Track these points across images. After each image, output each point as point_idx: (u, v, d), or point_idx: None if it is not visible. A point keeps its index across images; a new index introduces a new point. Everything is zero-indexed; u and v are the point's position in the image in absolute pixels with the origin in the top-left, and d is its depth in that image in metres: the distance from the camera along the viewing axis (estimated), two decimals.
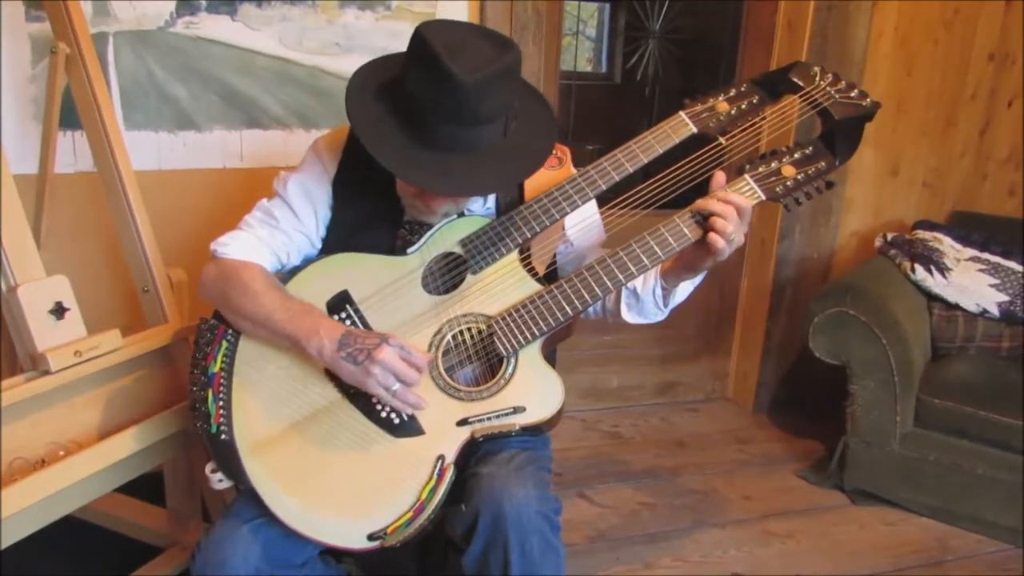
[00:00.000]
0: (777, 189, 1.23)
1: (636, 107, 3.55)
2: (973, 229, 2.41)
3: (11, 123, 1.79)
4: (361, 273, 1.26)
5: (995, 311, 2.21)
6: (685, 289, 1.32)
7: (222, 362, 1.23)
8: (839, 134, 1.25)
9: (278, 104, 1.97)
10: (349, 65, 1.98)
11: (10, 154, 1.71)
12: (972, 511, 2.03)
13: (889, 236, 2.40)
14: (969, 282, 2.24)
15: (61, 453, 1.30)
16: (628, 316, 1.35)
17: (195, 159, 1.95)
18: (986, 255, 2.31)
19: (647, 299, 1.32)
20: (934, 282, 2.24)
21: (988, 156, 2.63)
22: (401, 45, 1.15)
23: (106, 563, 1.72)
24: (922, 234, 2.38)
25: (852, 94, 1.28)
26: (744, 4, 2.55)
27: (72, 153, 1.84)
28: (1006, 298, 2.22)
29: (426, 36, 1.10)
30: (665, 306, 1.33)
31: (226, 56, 1.91)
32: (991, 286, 2.23)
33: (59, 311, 1.30)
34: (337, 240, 1.31)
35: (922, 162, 2.56)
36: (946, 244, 2.33)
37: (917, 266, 2.25)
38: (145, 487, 1.61)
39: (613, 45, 3.95)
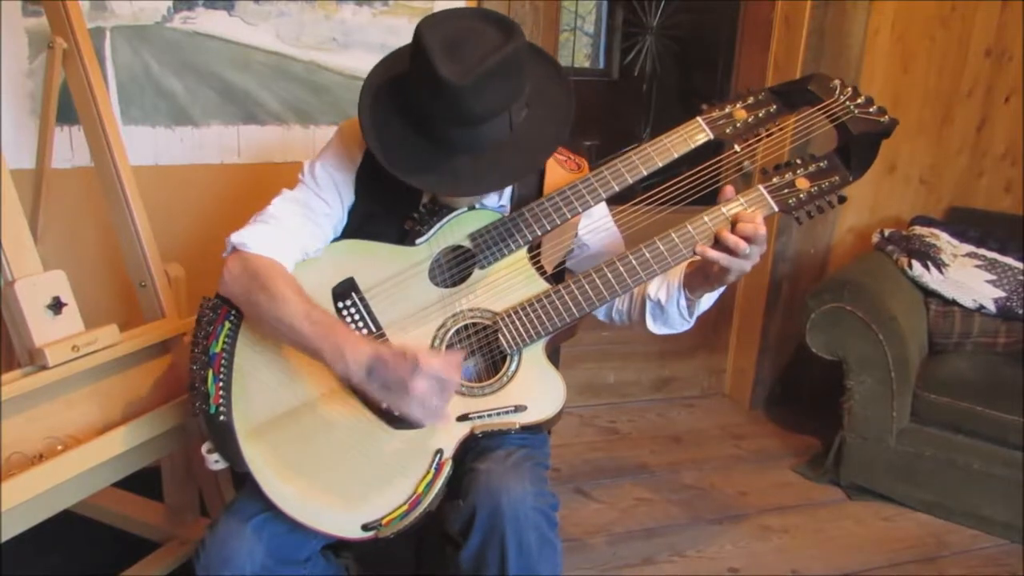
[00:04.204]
0: (790, 201, 1.23)
1: (633, 103, 3.55)
2: (970, 225, 2.41)
3: (8, 118, 1.78)
4: (369, 261, 1.25)
5: (992, 307, 2.22)
6: (709, 298, 1.31)
7: (224, 343, 1.22)
8: (855, 149, 1.24)
9: (275, 100, 1.97)
10: (346, 61, 1.98)
11: (7, 149, 1.71)
12: (968, 506, 2.03)
13: (886, 232, 2.41)
14: (966, 278, 2.24)
15: (59, 448, 1.29)
16: (654, 327, 1.35)
17: (192, 155, 1.95)
18: (983, 251, 2.31)
19: (672, 310, 1.31)
20: (931, 278, 2.24)
21: (985, 152, 2.63)
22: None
23: (103, 558, 1.72)
24: (919, 230, 2.38)
25: (871, 109, 1.26)
26: (741, 1, 2.55)
27: (69, 148, 1.84)
28: (1003, 294, 2.22)
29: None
30: (691, 316, 1.32)
31: (223, 51, 1.90)
32: (988, 282, 2.24)
33: (56, 306, 1.29)
34: (352, 226, 1.30)
35: (919, 159, 2.56)
36: (943, 240, 2.34)
37: (914, 262, 2.25)
38: (143, 482, 1.61)
39: (611, 41, 3.94)
